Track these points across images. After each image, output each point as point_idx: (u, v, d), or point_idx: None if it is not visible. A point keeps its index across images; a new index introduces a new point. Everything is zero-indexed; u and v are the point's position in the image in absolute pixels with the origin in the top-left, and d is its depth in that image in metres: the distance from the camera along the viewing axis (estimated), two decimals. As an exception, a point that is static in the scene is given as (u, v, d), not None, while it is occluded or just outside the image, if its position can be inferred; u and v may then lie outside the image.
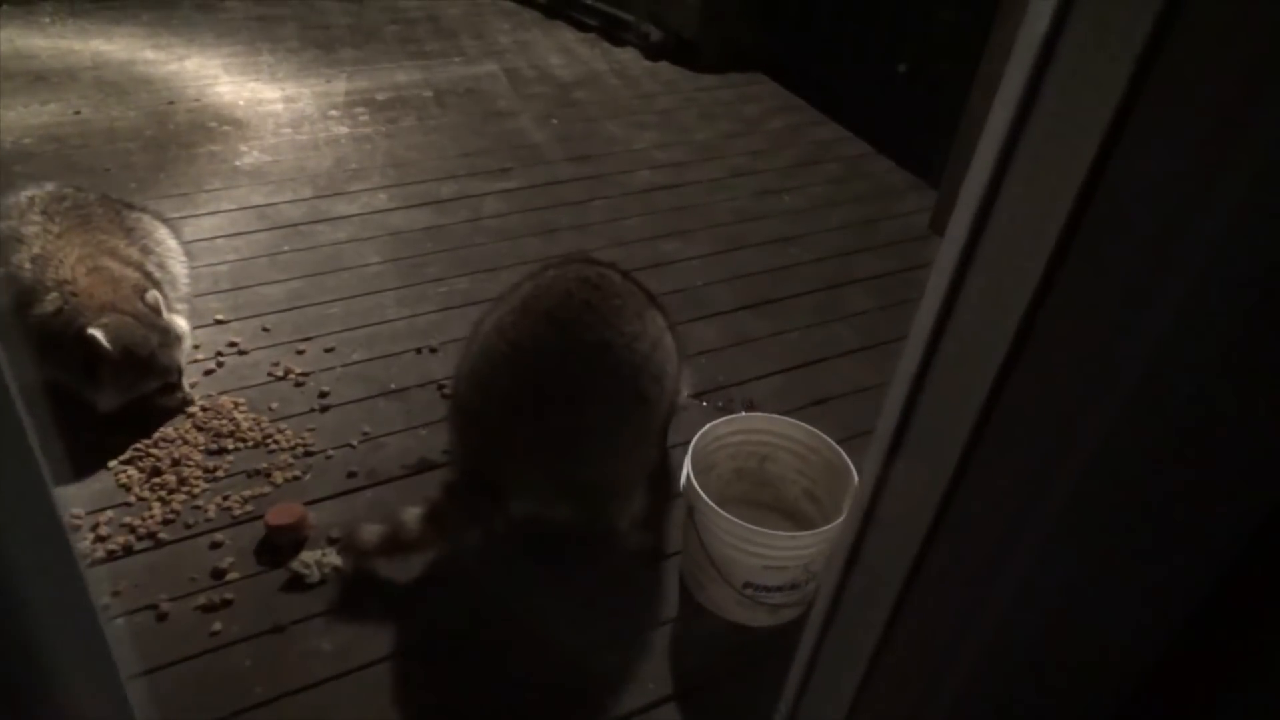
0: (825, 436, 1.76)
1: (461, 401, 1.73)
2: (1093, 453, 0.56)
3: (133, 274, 2.00)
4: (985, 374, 0.59)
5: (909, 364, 0.67)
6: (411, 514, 1.65)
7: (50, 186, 2.08)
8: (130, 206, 2.20)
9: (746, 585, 1.62)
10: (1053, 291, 0.53)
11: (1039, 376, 0.57)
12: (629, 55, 4.24)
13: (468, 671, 1.60)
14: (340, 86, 3.68)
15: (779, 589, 1.63)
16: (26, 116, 3.26)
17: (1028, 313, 0.54)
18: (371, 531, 1.66)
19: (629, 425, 1.70)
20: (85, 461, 1.91)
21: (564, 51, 4.24)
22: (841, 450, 1.73)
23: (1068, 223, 0.50)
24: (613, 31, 4.40)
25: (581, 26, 4.49)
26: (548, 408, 1.62)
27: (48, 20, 4.08)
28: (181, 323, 2.06)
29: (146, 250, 2.09)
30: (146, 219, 2.20)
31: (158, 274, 2.08)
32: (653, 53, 4.22)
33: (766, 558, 1.57)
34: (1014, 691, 0.71)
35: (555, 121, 3.57)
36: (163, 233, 2.21)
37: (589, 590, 1.75)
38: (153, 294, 1.96)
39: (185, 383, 2.07)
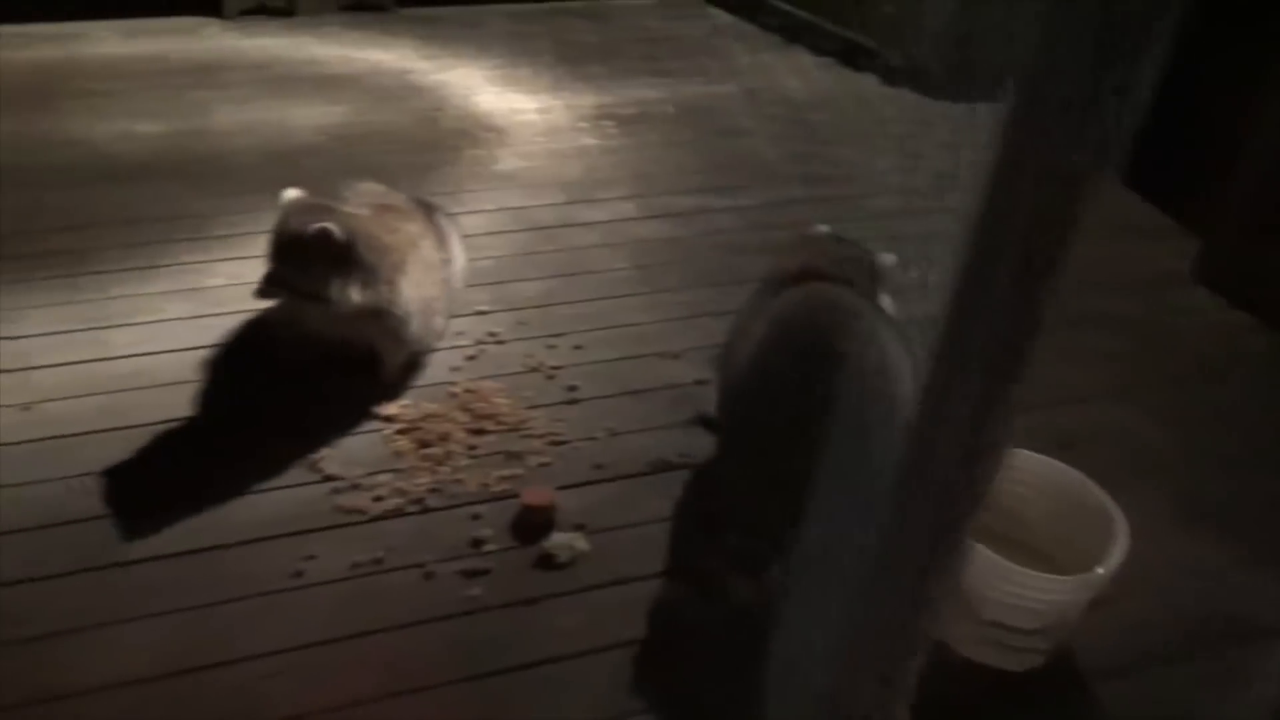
0: (1085, 478, 1.70)
1: (752, 424, 1.77)
2: None
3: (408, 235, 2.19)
4: None
5: None
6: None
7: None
8: (434, 207, 2.40)
9: (992, 623, 1.58)
10: None
11: None
12: (867, 80, 4.22)
13: (701, 669, 1.64)
14: (589, 100, 3.87)
15: (1027, 632, 1.58)
16: (315, 117, 3.63)
17: None
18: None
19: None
20: (366, 426, 2.11)
21: (801, 74, 4.28)
22: (1103, 494, 1.66)
23: None
24: (851, 56, 4.39)
25: (819, 51, 4.51)
26: (850, 424, 1.64)
27: (334, 31, 4.51)
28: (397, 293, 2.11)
29: (444, 242, 2.29)
30: (445, 220, 2.39)
31: (443, 270, 2.26)
32: (891, 78, 4.18)
33: (1020, 597, 1.53)
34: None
35: (791, 143, 3.61)
36: (454, 233, 2.40)
37: (824, 605, 1.76)
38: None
39: (392, 359, 2.20)
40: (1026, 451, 1.79)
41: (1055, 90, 0.62)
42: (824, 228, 2.05)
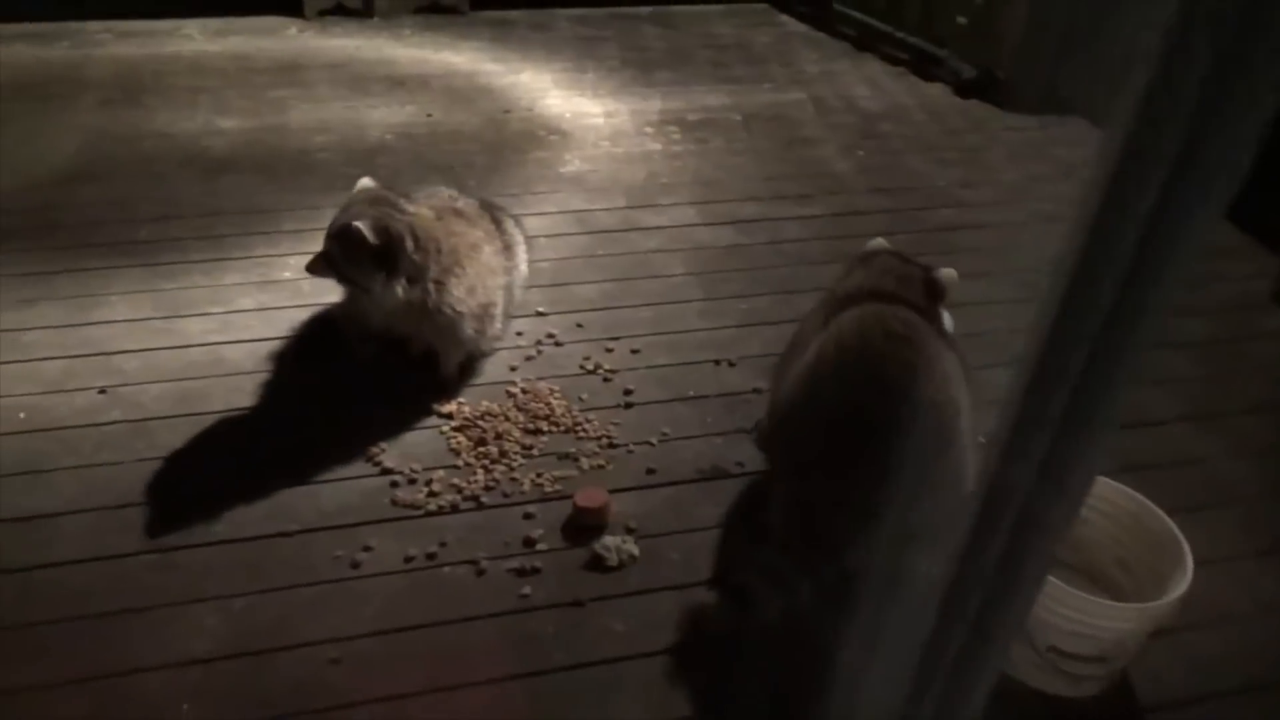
0: (1150, 504, 1.65)
1: (797, 447, 1.75)
2: None
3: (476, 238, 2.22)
4: None
5: None
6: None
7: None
8: (503, 215, 2.41)
9: (1050, 649, 1.55)
10: None
11: None
12: (938, 91, 4.17)
13: (745, 679, 1.64)
14: (655, 105, 3.89)
15: (1085, 659, 1.54)
16: (388, 116, 3.71)
17: None
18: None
19: (963, 470, 1.67)
20: (425, 421, 2.15)
21: (871, 83, 4.23)
22: (1170, 521, 1.61)
23: None
24: (923, 66, 4.33)
25: (891, 60, 4.46)
26: (896, 458, 1.61)
27: (408, 33, 4.61)
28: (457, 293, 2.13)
29: (510, 249, 2.32)
30: (513, 227, 2.41)
31: (504, 277, 2.28)
32: (963, 89, 4.12)
33: (1079, 623, 1.49)
34: None
35: (859, 153, 3.58)
36: (521, 239, 2.42)
37: (879, 623, 1.74)
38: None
39: (448, 358, 2.24)
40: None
41: (1168, 131, 0.59)
42: (881, 241, 2.00)
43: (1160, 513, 1.63)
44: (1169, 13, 0.57)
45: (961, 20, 4.20)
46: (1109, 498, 1.71)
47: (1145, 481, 2.06)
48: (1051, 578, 1.48)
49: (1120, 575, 1.72)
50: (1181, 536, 1.57)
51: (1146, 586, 1.62)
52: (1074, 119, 3.89)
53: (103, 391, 2.19)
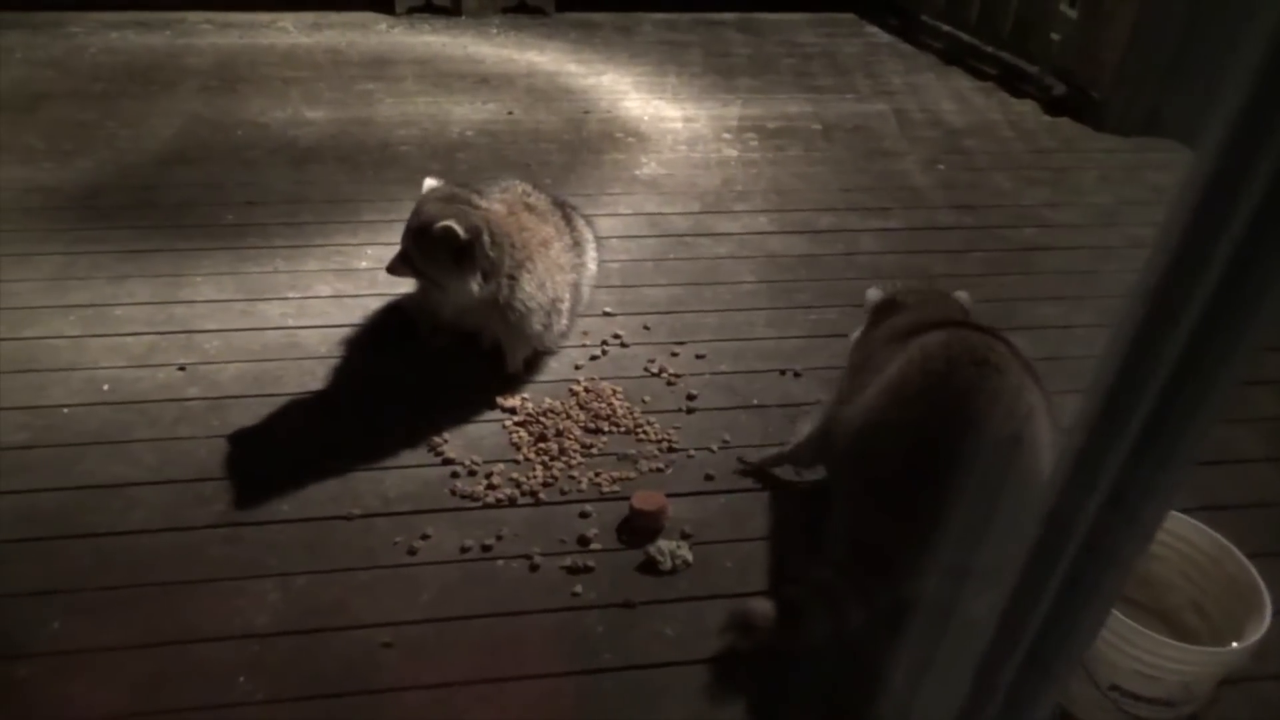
0: (1231, 547, 1.58)
1: (869, 469, 1.71)
2: None
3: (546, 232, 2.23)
4: None
5: None
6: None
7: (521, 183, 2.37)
8: (575, 213, 2.42)
9: (1113, 688, 1.49)
10: None
11: None
12: (1026, 107, 4.06)
13: (793, 695, 1.61)
14: (734, 112, 3.87)
15: (1149, 701, 1.48)
16: (470, 112, 3.77)
17: None
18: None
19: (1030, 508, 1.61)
20: (488, 415, 2.18)
21: (957, 98, 4.15)
22: (1250, 566, 1.53)
23: None
24: (1012, 82, 4.23)
25: (979, 74, 4.37)
26: (973, 492, 1.56)
27: (495, 32, 4.68)
28: (530, 287, 2.16)
29: (579, 246, 2.33)
30: (583, 225, 2.42)
31: (572, 274, 2.29)
32: (1053, 107, 4.01)
33: (1145, 663, 1.43)
34: None
35: (941, 167, 3.51)
36: (591, 238, 2.43)
37: (928, 648, 1.69)
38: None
39: (514, 353, 2.26)
40: (1175, 513, 1.67)
41: (1261, 155, 0.56)
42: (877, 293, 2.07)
43: (1241, 556, 1.56)
44: (1261, 35, 0.54)
45: (1055, 36, 4.09)
46: (1188, 537, 1.64)
47: (1226, 522, 1.97)
48: (1118, 614, 1.43)
49: (1194, 619, 1.64)
50: (1262, 583, 1.50)
51: (1222, 632, 1.55)
52: (1170, 143, 3.76)
53: (182, 369, 2.26)
